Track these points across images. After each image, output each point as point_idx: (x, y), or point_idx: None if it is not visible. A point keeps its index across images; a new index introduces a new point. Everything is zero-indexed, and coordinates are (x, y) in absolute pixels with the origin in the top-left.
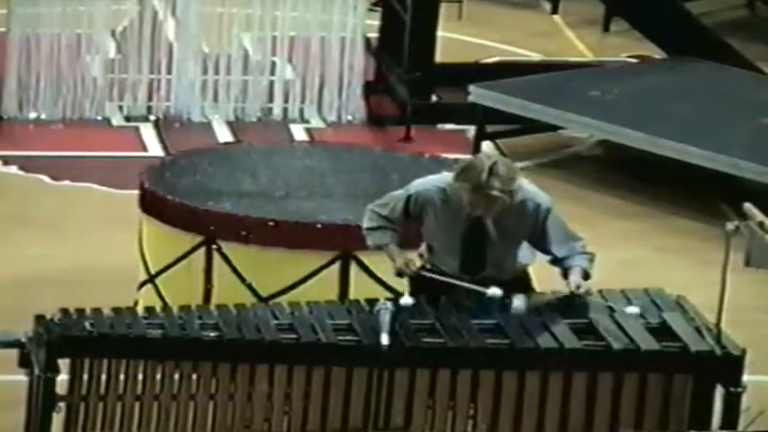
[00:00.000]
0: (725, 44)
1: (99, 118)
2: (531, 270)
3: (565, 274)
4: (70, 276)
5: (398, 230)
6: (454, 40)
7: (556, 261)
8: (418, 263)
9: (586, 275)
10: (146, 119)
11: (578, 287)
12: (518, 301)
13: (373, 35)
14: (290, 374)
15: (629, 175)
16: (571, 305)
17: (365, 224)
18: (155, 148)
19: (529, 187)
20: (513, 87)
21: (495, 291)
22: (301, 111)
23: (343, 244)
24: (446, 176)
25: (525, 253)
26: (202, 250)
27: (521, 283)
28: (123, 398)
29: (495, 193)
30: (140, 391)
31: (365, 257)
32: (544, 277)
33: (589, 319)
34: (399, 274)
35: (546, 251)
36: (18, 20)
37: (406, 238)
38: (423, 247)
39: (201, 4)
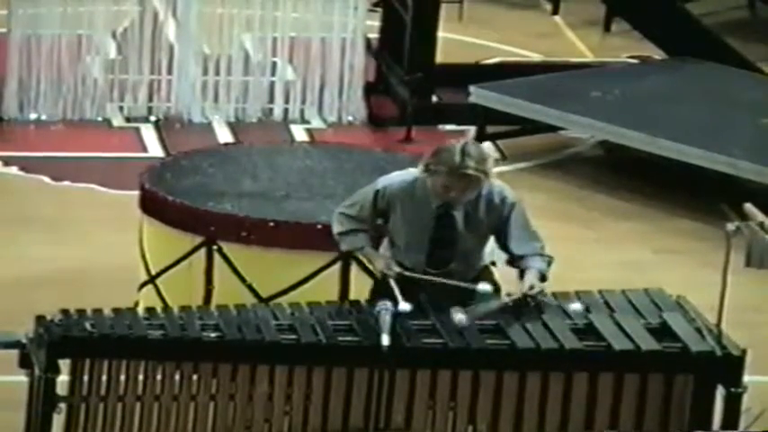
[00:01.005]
0: (725, 45)
1: (99, 119)
2: (494, 270)
3: (521, 275)
4: (71, 277)
5: (369, 231)
6: (455, 41)
7: (513, 260)
8: (395, 266)
9: (543, 278)
10: (146, 120)
11: (531, 287)
12: (459, 315)
13: (374, 36)
14: (290, 375)
15: (630, 176)
16: (524, 307)
17: (335, 229)
18: (155, 149)
19: (497, 181)
20: (513, 88)
21: (484, 286)
22: (302, 111)
23: None
24: (412, 171)
25: (489, 252)
26: (203, 251)
27: (486, 280)
28: (124, 398)
29: (471, 171)
30: (141, 392)
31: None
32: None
33: (589, 320)
34: (383, 276)
35: (505, 247)
36: (19, 21)
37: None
38: (383, 246)
39: (202, 4)
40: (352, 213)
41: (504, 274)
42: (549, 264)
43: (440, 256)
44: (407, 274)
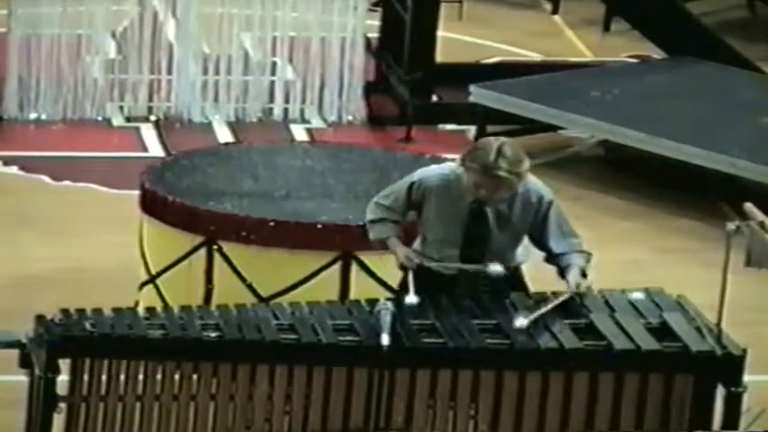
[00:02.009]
0: (725, 44)
1: (99, 118)
2: (525, 270)
3: (561, 273)
4: (71, 277)
5: (401, 222)
6: (455, 41)
7: (552, 257)
8: (416, 258)
9: (584, 275)
10: (146, 119)
11: (578, 286)
12: (520, 318)
13: (374, 35)
14: (290, 375)
15: (630, 175)
16: (572, 306)
17: (368, 216)
18: (155, 149)
19: (533, 179)
20: (513, 87)
21: (495, 267)
22: (302, 111)
23: (344, 244)
24: (450, 165)
25: (521, 251)
26: (203, 250)
27: (515, 280)
28: (124, 398)
29: (503, 173)
30: (141, 392)
31: (366, 258)
32: (538, 278)
33: (590, 320)
34: (402, 267)
35: (543, 245)
36: (18, 20)
37: (406, 232)
38: (417, 242)
39: (202, 4)
40: (386, 203)
41: (533, 273)
42: (589, 260)
43: (472, 253)
44: (426, 263)
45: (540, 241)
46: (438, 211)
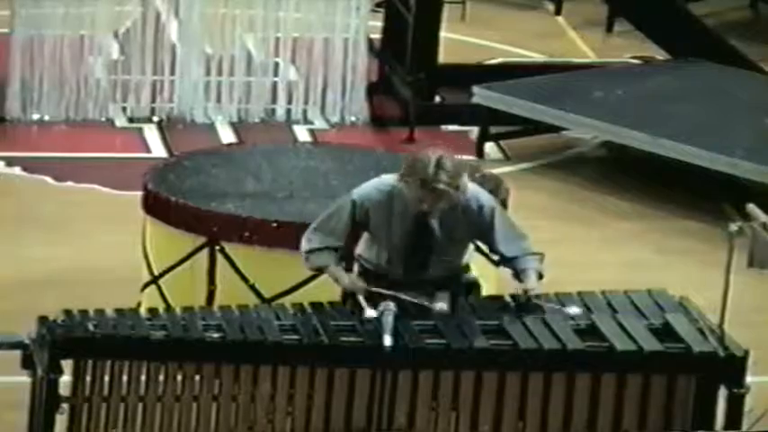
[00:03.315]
0: (728, 45)
1: (102, 119)
2: (473, 266)
3: (517, 276)
4: (73, 277)
5: (341, 248)
6: (457, 42)
7: (505, 261)
8: (360, 281)
9: (540, 277)
10: (149, 120)
11: (532, 290)
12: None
13: (376, 36)
14: (293, 375)
15: (633, 176)
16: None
17: (304, 247)
18: (158, 150)
19: (473, 188)
20: (516, 88)
21: (441, 306)
22: (304, 112)
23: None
24: (386, 179)
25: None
26: (205, 251)
27: (456, 279)
28: (126, 399)
29: (443, 186)
30: (143, 393)
31: None
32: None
33: (593, 321)
34: (346, 294)
35: (494, 251)
36: (21, 21)
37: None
38: (361, 246)
39: (204, 5)
40: (325, 229)
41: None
42: (542, 260)
43: (416, 263)
44: (373, 289)
45: (490, 247)
46: (382, 226)
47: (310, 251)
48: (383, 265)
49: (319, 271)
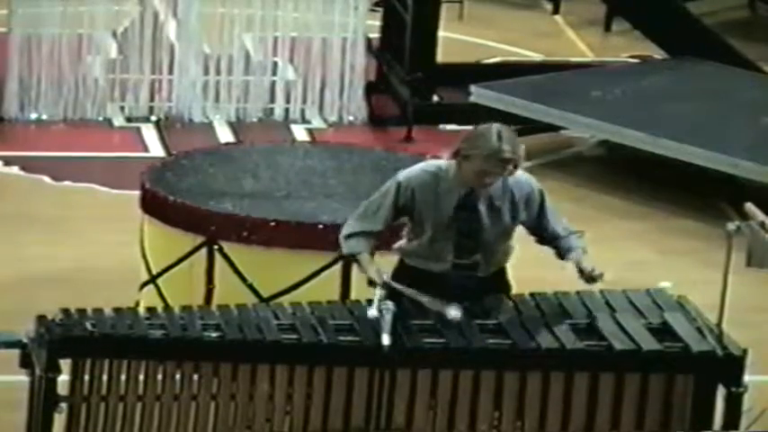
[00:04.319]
0: (726, 44)
1: (100, 118)
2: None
3: (560, 255)
4: (71, 277)
5: (381, 232)
6: (455, 41)
7: (552, 241)
8: (385, 276)
9: (584, 252)
10: (147, 119)
11: (593, 270)
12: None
13: (375, 35)
14: (291, 375)
15: (631, 176)
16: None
17: (344, 232)
18: (156, 149)
19: (521, 171)
20: (514, 88)
21: (455, 313)
22: (303, 111)
23: None
24: (432, 162)
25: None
26: (204, 251)
27: (500, 278)
28: (125, 398)
29: (509, 155)
30: (142, 392)
31: None
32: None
33: (591, 320)
34: (370, 283)
35: (543, 231)
36: (19, 20)
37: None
38: (404, 241)
39: (203, 4)
40: (368, 213)
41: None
42: (582, 237)
43: (465, 247)
44: (393, 285)
45: (538, 228)
46: (427, 209)
47: (347, 236)
48: (428, 257)
49: (351, 258)
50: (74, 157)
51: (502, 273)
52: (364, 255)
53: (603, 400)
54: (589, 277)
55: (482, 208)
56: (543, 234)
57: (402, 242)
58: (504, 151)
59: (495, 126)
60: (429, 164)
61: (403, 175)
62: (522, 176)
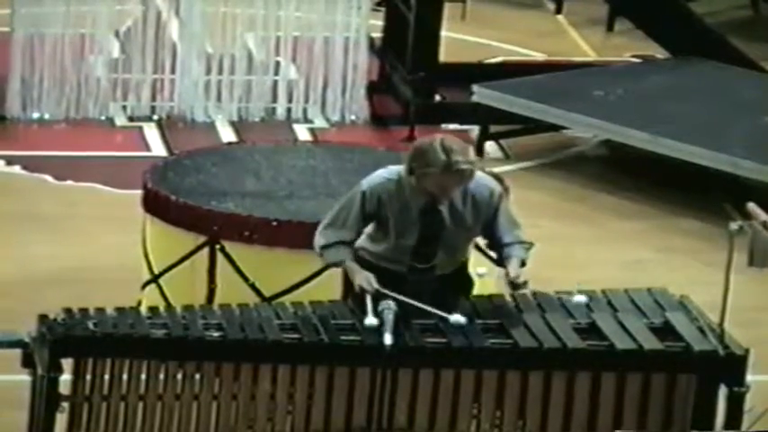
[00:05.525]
0: (728, 44)
1: (102, 118)
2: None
3: (500, 262)
4: (73, 276)
5: (354, 240)
6: (458, 40)
7: (497, 246)
8: (375, 283)
9: (523, 264)
10: (149, 119)
11: (517, 277)
12: (459, 317)
13: (377, 35)
14: (293, 374)
15: (633, 175)
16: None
17: (319, 243)
18: (158, 148)
19: (480, 174)
20: (516, 87)
21: (458, 318)
22: (305, 111)
23: None
24: (393, 169)
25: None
26: (206, 250)
27: (460, 274)
28: (127, 398)
29: (464, 166)
30: (144, 391)
31: None
32: None
33: (593, 320)
34: (361, 291)
35: (491, 234)
36: (21, 20)
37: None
38: (363, 239)
39: (205, 4)
40: (337, 223)
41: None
42: (529, 249)
43: (425, 252)
44: (385, 291)
45: (489, 231)
46: (392, 215)
47: (324, 247)
48: (387, 258)
49: (336, 266)
50: (76, 157)
51: (462, 269)
52: (349, 263)
53: (605, 399)
54: (512, 283)
55: (444, 212)
56: (491, 238)
57: (362, 240)
58: (458, 162)
59: (438, 140)
60: (390, 170)
61: (366, 183)
62: (482, 179)
